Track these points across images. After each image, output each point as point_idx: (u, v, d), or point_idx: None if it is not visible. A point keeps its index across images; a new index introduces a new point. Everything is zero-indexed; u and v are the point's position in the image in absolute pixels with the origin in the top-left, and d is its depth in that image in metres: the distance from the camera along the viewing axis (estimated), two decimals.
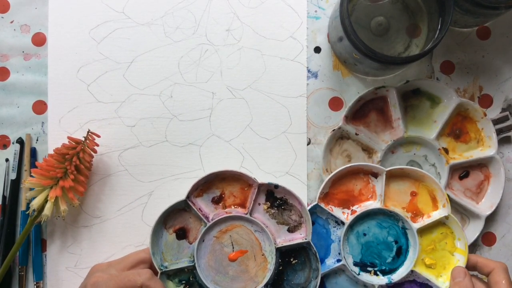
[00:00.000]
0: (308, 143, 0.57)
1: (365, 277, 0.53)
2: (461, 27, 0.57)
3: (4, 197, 0.55)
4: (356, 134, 0.55)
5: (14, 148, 0.55)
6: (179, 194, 0.55)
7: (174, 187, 0.56)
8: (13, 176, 0.55)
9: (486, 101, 0.58)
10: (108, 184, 0.56)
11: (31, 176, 0.52)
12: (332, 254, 0.53)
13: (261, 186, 0.52)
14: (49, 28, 0.56)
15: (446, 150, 0.56)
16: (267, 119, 0.57)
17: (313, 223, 0.52)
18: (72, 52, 0.56)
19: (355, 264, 0.53)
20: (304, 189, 0.56)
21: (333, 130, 0.55)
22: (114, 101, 0.56)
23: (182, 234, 0.52)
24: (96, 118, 0.56)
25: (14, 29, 0.56)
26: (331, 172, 0.53)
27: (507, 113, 0.57)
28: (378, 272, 0.53)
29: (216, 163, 0.56)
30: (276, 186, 0.52)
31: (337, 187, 0.54)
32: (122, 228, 0.55)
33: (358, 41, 0.47)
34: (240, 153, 0.56)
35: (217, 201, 0.53)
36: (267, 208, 0.53)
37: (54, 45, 0.56)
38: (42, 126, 0.56)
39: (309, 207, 0.52)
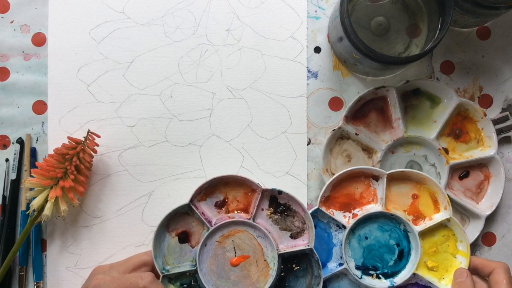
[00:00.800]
0: (308, 143, 0.57)
1: (368, 280, 0.52)
2: (461, 27, 0.57)
3: (4, 197, 0.55)
4: (356, 134, 0.55)
5: (14, 148, 0.55)
6: (179, 194, 0.55)
7: (174, 187, 0.56)
8: (13, 176, 0.55)
9: (486, 101, 0.58)
10: (108, 184, 0.56)
11: (31, 176, 0.52)
12: (334, 258, 0.53)
13: (264, 191, 0.52)
14: (49, 28, 0.56)
15: (446, 150, 0.56)
16: (267, 119, 0.57)
17: (314, 227, 0.52)
18: (72, 52, 0.56)
19: (357, 267, 0.53)
20: (304, 189, 0.56)
21: (333, 130, 0.55)
22: (114, 101, 0.56)
23: (184, 237, 0.52)
24: (96, 118, 0.56)
25: (14, 29, 0.56)
26: (331, 172, 0.53)
27: (507, 113, 0.57)
28: (380, 276, 0.53)
29: (216, 163, 0.56)
30: (280, 192, 0.52)
31: (338, 190, 0.54)
32: (122, 228, 0.55)
33: (358, 41, 0.47)
34: (240, 153, 0.56)
35: (220, 205, 0.53)
36: (270, 214, 0.53)
37: (54, 45, 0.56)
38: (42, 126, 0.56)
39: (310, 211, 0.52)
